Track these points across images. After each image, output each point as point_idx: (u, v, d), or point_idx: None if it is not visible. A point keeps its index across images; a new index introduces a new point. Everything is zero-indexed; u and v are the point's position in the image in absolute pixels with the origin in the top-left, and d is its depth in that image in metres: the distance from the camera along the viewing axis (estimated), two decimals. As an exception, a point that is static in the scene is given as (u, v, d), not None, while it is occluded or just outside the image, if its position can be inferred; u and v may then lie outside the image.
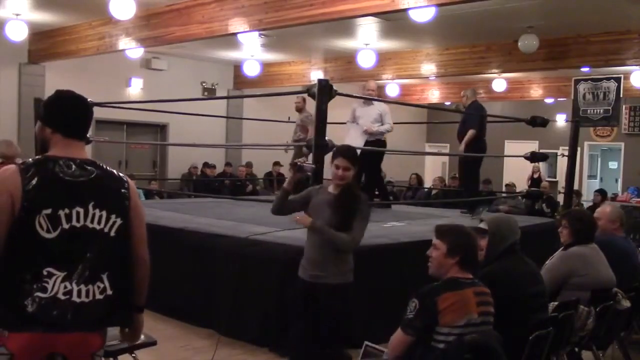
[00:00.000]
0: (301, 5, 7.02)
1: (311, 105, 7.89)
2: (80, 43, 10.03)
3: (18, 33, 9.48)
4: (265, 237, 5.49)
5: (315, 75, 12.43)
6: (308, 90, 5.03)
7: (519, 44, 9.45)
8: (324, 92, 4.87)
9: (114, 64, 11.86)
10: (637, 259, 4.72)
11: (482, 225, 3.57)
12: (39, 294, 2.19)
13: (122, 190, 2.40)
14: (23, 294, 2.18)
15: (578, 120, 9.18)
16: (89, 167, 2.36)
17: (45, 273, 2.20)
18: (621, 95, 12.48)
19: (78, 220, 2.26)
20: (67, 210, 2.24)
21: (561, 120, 13.92)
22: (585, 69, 11.69)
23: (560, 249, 4.24)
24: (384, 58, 11.53)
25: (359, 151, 6.97)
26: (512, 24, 9.14)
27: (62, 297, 2.21)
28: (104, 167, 2.44)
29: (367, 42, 10.81)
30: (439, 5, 6.57)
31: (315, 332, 3.74)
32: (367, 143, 7.46)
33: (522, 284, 3.38)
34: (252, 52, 12.08)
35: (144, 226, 2.49)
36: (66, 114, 2.40)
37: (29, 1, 8.77)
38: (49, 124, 2.37)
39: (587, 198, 14.87)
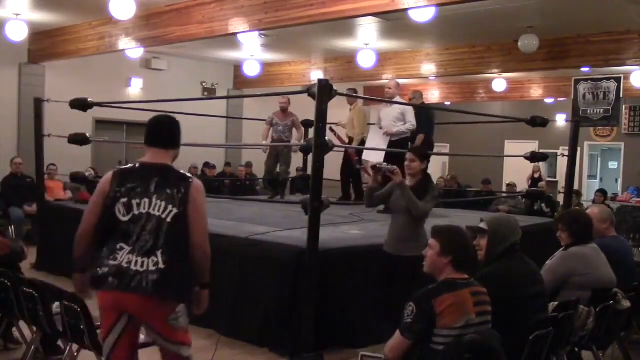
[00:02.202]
0: (301, 5, 7.01)
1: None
2: (80, 43, 10.02)
3: (18, 33, 9.47)
4: (265, 237, 5.50)
5: (315, 75, 12.43)
6: (308, 90, 5.01)
7: (519, 44, 9.45)
8: (324, 92, 4.86)
9: (114, 64, 11.86)
10: (631, 257, 4.72)
11: (482, 225, 3.57)
12: (111, 262, 2.95)
13: (182, 188, 3.04)
14: (103, 261, 2.97)
15: (578, 120, 9.17)
16: (160, 169, 3.11)
17: (118, 247, 2.97)
18: (621, 95, 12.47)
19: (144, 208, 3.00)
20: (137, 200, 3.01)
21: (561, 120, 13.91)
22: (585, 69, 11.68)
23: (561, 249, 4.24)
24: (384, 58, 11.53)
25: (381, 155, 7.11)
26: (512, 24, 9.13)
27: (125, 266, 2.93)
28: (175, 169, 3.16)
29: (367, 42, 10.80)
30: (439, 5, 6.57)
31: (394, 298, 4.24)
32: (391, 143, 7.49)
33: (522, 284, 3.38)
34: (252, 52, 12.08)
35: (202, 218, 3.07)
36: (148, 129, 3.24)
37: (29, 1, 8.77)
38: (144, 140, 3.23)
39: (587, 198, 14.87)
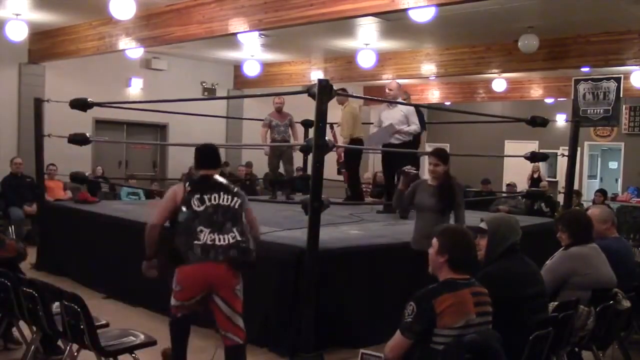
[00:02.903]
0: (301, 5, 7.01)
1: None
2: (80, 43, 10.02)
3: (18, 33, 9.47)
4: (265, 237, 5.48)
5: (315, 75, 12.42)
6: (308, 90, 5.01)
7: (519, 44, 9.45)
8: (324, 92, 4.86)
9: (114, 64, 11.86)
10: (632, 258, 4.71)
11: (482, 225, 3.57)
12: (196, 242, 3.84)
13: (236, 189, 4.15)
14: (188, 243, 3.85)
15: (578, 120, 9.17)
16: (215, 178, 4.14)
17: (199, 230, 3.86)
18: (621, 95, 12.47)
19: (215, 201, 3.96)
20: (208, 195, 3.97)
21: (561, 120, 13.91)
22: (585, 69, 11.68)
23: (561, 249, 4.24)
24: (384, 58, 11.53)
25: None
26: (512, 24, 9.13)
27: (209, 242, 3.84)
28: (224, 180, 4.19)
29: (367, 42, 10.80)
30: (439, 5, 6.56)
31: None
32: (395, 146, 7.39)
33: (522, 284, 3.38)
34: (252, 52, 12.08)
35: (250, 209, 4.18)
36: (196, 155, 4.26)
37: (29, 1, 8.77)
38: (195, 164, 4.26)
39: (587, 198, 14.87)
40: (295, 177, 9.76)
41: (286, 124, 9.14)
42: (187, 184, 4.05)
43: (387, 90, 7.74)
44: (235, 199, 4.02)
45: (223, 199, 3.98)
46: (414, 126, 7.49)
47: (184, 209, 3.95)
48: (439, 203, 4.77)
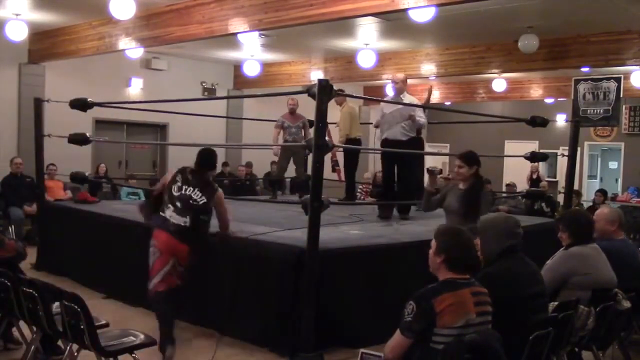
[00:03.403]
0: (301, 5, 7.01)
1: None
2: (80, 43, 10.02)
3: (18, 33, 9.47)
4: (265, 237, 5.49)
5: (315, 75, 12.42)
6: (308, 91, 5.01)
7: (519, 44, 9.45)
8: (324, 92, 4.85)
9: (114, 64, 11.86)
10: (638, 260, 4.69)
11: (478, 225, 3.61)
12: (164, 215, 4.94)
13: (209, 189, 5.08)
14: (161, 209, 5.01)
15: (578, 120, 9.17)
16: (198, 175, 5.12)
17: (169, 207, 4.96)
18: (621, 95, 12.47)
19: (188, 192, 4.97)
20: (185, 187, 5.00)
21: (561, 120, 13.91)
22: (585, 69, 11.68)
23: (561, 249, 4.24)
24: (384, 58, 11.53)
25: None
26: (512, 24, 9.13)
27: (168, 217, 4.92)
28: (204, 178, 5.14)
29: (367, 42, 10.80)
30: (439, 5, 6.56)
31: None
32: (402, 143, 6.99)
33: (522, 284, 3.38)
34: (252, 52, 12.08)
35: (222, 204, 5.19)
36: (197, 157, 5.23)
37: (29, 1, 8.77)
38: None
39: (587, 198, 14.87)
40: (295, 176, 9.74)
41: (298, 125, 9.07)
42: (176, 172, 5.16)
43: (392, 81, 7.32)
44: (203, 197, 4.98)
45: (194, 193, 4.98)
46: (423, 119, 7.19)
47: (170, 188, 5.08)
48: (462, 207, 4.88)
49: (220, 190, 5.13)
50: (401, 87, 7.20)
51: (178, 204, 4.92)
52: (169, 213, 4.91)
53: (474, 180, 4.97)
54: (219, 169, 13.59)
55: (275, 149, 9.27)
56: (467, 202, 4.86)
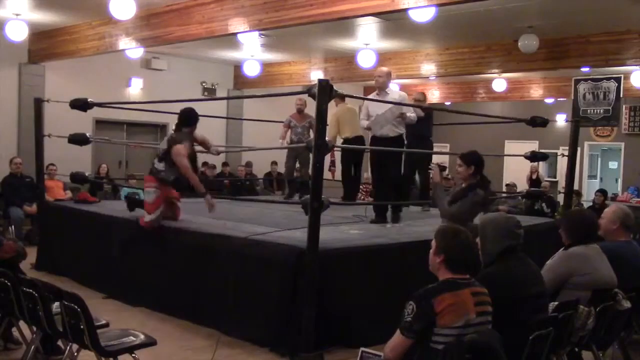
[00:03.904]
0: (301, 5, 7.02)
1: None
2: (80, 43, 10.03)
3: (18, 33, 9.47)
4: (265, 237, 5.49)
5: (315, 75, 12.43)
6: (308, 91, 5.01)
7: (519, 44, 9.45)
8: (324, 92, 4.85)
9: (114, 64, 11.86)
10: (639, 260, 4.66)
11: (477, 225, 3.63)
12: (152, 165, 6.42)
13: (169, 137, 6.36)
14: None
15: (578, 120, 9.16)
16: (172, 131, 6.60)
17: (155, 159, 6.33)
18: (621, 95, 12.49)
19: (161, 142, 6.68)
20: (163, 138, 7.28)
21: (561, 120, 13.91)
22: (585, 69, 11.68)
23: (561, 249, 4.24)
24: (384, 58, 11.52)
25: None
26: (512, 24, 9.14)
27: (153, 164, 6.32)
28: (172, 135, 6.38)
29: (367, 42, 10.81)
30: (439, 5, 6.57)
31: None
32: (389, 141, 6.81)
33: (523, 285, 3.38)
34: (252, 52, 12.08)
35: (178, 157, 6.02)
36: (180, 116, 6.37)
37: (29, 1, 8.77)
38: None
39: (587, 198, 14.87)
40: (295, 176, 9.74)
41: (304, 125, 9.05)
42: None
43: (376, 77, 6.94)
44: (164, 144, 6.18)
45: (163, 143, 6.30)
46: (413, 114, 7.04)
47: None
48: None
49: (179, 145, 5.99)
50: (384, 81, 6.86)
51: (158, 152, 6.41)
52: (154, 161, 6.35)
53: (473, 182, 4.99)
54: (219, 168, 13.69)
55: (281, 141, 9.31)
56: (452, 199, 4.99)
